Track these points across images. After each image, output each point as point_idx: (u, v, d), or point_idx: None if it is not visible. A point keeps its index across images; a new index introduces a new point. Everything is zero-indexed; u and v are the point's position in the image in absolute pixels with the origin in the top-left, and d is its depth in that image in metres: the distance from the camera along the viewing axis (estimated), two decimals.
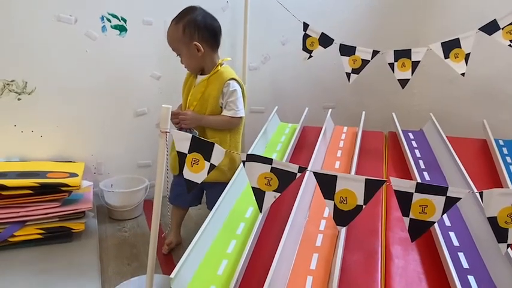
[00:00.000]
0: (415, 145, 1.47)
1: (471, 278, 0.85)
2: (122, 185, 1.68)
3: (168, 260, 1.37)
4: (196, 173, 0.86)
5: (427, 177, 1.25)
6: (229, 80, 1.32)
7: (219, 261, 0.91)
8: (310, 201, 1.12)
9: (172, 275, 0.81)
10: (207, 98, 1.33)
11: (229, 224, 1.05)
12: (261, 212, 0.84)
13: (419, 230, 0.72)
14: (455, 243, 0.96)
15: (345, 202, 0.75)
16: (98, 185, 1.63)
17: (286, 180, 0.79)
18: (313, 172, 0.77)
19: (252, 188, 0.82)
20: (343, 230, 0.92)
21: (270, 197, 0.81)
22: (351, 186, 0.74)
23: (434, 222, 0.72)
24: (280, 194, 0.80)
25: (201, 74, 1.37)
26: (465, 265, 0.89)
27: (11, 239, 1.28)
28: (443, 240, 0.91)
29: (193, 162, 0.86)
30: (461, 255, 0.92)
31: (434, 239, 0.94)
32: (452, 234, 0.99)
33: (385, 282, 0.84)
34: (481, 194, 0.69)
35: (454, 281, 0.79)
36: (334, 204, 0.76)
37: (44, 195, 1.31)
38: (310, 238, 0.97)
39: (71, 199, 1.37)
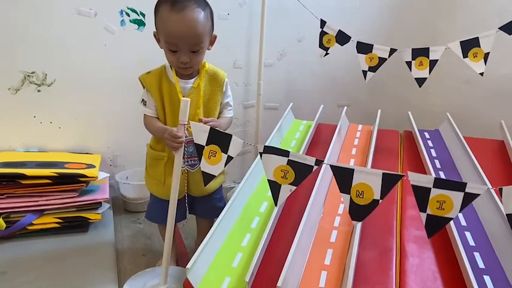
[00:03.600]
0: (431, 144, 1.45)
1: (487, 278, 0.84)
2: (137, 177, 1.69)
3: (183, 252, 1.38)
4: (214, 165, 0.87)
5: (443, 177, 1.24)
6: (226, 78, 1.16)
7: (234, 254, 0.92)
8: (325, 197, 1.13)
9: (188, 266, 0.83)
10: (209, 103, 1.13)
11: (244, 218, 1.06)
12: (276, 205, 0.84)
13: (436, 226, 0.72)
14: (471, 243, 0.95)
15: (361, 196, 0.75)
16: (114, 177, 1.65)
17: (302, 173, 0.79)
18: (330, 165, 0.77)
19: (268, 180, 0.82)
20: (358, 226, 0.92)
21: (286, 190, 0.81)
22: (368, 180, 0.74)
23: (452, 219, 0.71)
24: (296, 187, 0.80)
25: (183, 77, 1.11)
26: (481, 265, 0.88)
27: (29, 227, 1.30)
28: (459, 239, 0.90)
29: (210, 154, 0.87)
30: (477, 255, 0.91)
31: (450, 238, 0.94)
32: (468, 234, 0.98)
33: (399, 279, 0.84)
34: (500, 190, 0.68)
35: (470, 280, 0.78)
36: (351, 198, 0.76)
37: (62, 185, 1.33)
38: (324, 234, 0.98)
39: (88, 190, 1.39)
